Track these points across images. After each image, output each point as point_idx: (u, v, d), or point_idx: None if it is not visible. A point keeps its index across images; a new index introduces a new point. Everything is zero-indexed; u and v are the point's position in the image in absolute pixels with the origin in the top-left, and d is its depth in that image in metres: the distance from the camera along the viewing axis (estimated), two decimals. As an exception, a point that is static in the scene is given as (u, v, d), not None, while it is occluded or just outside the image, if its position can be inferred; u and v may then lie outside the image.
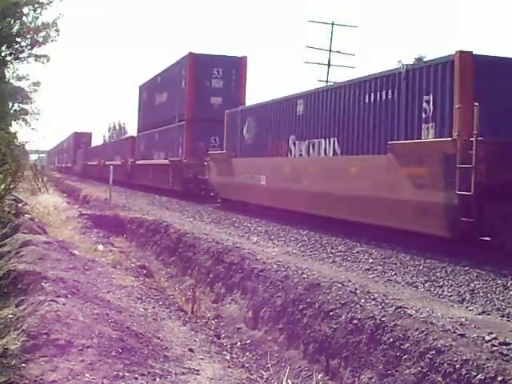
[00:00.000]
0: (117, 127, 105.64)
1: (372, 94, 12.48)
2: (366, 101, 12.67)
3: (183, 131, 26.01)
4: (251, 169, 18.37)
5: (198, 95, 25.37)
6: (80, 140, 67.30)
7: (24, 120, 45.72)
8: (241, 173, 19.26)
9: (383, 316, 5.86)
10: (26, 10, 31.37)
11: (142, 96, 38.19)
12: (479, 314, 6.26)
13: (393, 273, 8.68)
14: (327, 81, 38.81)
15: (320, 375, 6.20)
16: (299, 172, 15.56)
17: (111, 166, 25.48)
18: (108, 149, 50.84)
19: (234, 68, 25.73)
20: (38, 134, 49.30)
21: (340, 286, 7.11)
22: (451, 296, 7.20)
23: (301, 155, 15.67)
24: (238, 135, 20.12)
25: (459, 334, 5.17)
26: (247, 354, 7.38)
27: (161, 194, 28.05)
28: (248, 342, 7.72)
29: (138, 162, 35.88)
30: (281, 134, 16.86)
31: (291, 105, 16.33)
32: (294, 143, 16.01)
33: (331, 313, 6.52)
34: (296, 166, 15.90)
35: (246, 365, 6.73)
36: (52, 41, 32.33)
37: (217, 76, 25.50)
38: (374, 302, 6.39)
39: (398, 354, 5.35)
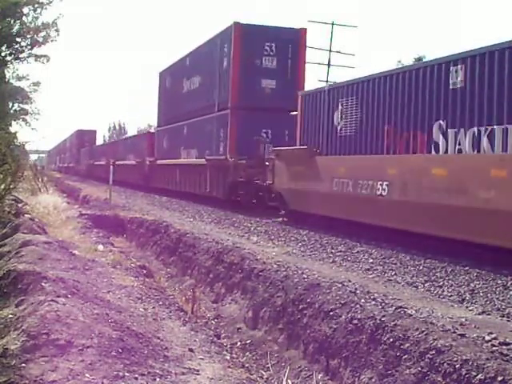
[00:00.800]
0: (117, 127, 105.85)
1: None
2: None
3: (227, 122, 20.54)
4: (356, 172, 12.80)
5: (246, 77, 19.92)
6: (83, 138, 62.98)
7: (24, 120, 45.76)
8: (334, 177, 13.53)
9: (383, 316, 5.86)
10: (26, 10, 31.42)
11: (162, 84, 31.81)
12: (479, 314, 6.26)
13: (393, 273, 8.68)
14: (327, 81, 38.78)
15: (320, 375, 6.20)
16: (470, 178, 9.79)
17: (111, 166, 25.38)
18: (118, 147, 45.32)
19: (291, 43, 20.19)
20: (38, 134, 49.38)
21: (340, 285, 7.11)
22: (451, 296, 7.20)
23: (460, 151, 10.26)
24: (323, 124, 14.79)
25: (459, 334, 5.17)
26: (247, 353, 7.38)
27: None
28: (248, 341, 7.72)
29: (160, 162, 29.96)
30: (413, 120, 11.44)
31: (438, 74, 10.82)
32: (444, 133, 10.60)
33: (331, 313, 6.52)
34: (459, 169, 10.16)
35: (246, 365, 6.73)
36: (52, 41, 32.39)
37: (269, 53, 20.04)
38: (373, 302, 6.39)
39: (397, 354, 5.35)
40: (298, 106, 16.29)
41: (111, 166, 25.21)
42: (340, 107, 14.06)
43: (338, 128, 14.10)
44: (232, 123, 20.19)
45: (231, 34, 20.35)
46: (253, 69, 19.93)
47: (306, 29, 20.85)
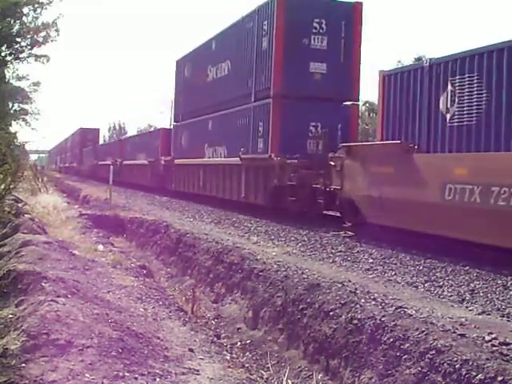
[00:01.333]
0: (117, 127, 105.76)
1: None
2: None
3: (268, 114, 16.98)
4: (488, 176, 9.31)
5: (292, 60, 16.49)
6: (86, 137, 60.00)
7: (24, 120, 45.72)
8: (446, 182, 10.02)
9: (383, 316, 5.86)
10: (26, 10, 31.36)
11: (180, 74, 27.76)
12: (479, 314, 6.26)
13: (393, 273, 8.68)
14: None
15: (320, 375, 6.20)
16: None
17: (111, 166, 25.35)
18: (126, 145, 41.61)
19: (344, 19, 16.84)
20: (38, 134, 49.36)
21: (340, 286, 7.11)
22: (451, 296, 7.20)
23: None
24: (420, 112, 11.42)
25: (459, 334, 5.17)
26: (247, 354, 7.38)
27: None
28: (248, 342, 7.72)
29: (178, 162, 26.25)
30: None
31: None
32: None
33: (331, 313, 6.52)
34: None
35: (246, 365, 6.73)
36: (52, 41, 32.32)
37: (319, 31, 16.67)
38: (373, 302, 6.39)
39: (398, 354, 5.35)
40: (379, 90, 12.99)
41: (111, 166, 25.18)
42: (450, 88, 10.74)
43: (448, 116, 10.75)
44: (275, 115, 16.75)
45: (273, 9, 16.93)
46: (299, 50, 16.55)
47: (361, 3, 17.23)
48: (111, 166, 25.35)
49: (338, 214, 14.27)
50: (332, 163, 13.89)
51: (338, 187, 13.51)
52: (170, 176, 27.59)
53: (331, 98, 16.39)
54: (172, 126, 29.38)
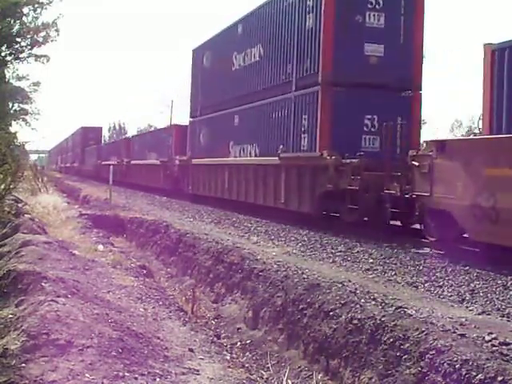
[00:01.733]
0: (117, 127, 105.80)
1: None
2: None
3: (315, 105, 14.46)
4: None
5: (344, 40, 14.10)
6: (88, 136, 58.11)
7: (24, 120, 45.76)
8: None
9: (383, 316, 5.86)
10: (26, 10, 31.41)
11: (197, 64, 25.08)
12: (479, 314, 6.26)
13: (393, 273, 8.67)
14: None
15: (320, 375, 6.20)
16: None
17: (111, 166, 25.33)
18: (134, 144, 39.22)
19: None
20: (38, 134, 49.39)
21: (340, 286, 7.11)
22: (451, 296, 7.20)
23: None
24: None
25: (459, 334, 5.17)
26: (247, 354, 7.38)
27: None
28: (248, 342, 7.73)
29: (196, 162, 23.63)
30: None
31: None
32: None
33: (331, 313, 6.52)
34: None
35: (246, 365, 6.74)
36: (52, 41, 32.36)
37: (375, 6, 14.24)
38: (373, 302, 6.39)
39: (398, 354, 5.35)
40: (485, 69, 10.72)
41: (111, 166, 25.17)
42: None
43: None
44: (324, 105, 14.15)
45: None
46: (352, 29, 14.12)
47: None
48: (111, 166, 25.32)
49: (419, 227, 11.81)
50: (415, 163, 11.19)
51: (425, 193, 10.80)
52: (187, 178, 24.95)
53: (389, 85, 14.13)
54: (189, 122, 26.24)
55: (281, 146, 15.82)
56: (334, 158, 13.25)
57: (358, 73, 13.92)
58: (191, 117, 25.84)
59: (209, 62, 23.72)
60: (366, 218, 13.07)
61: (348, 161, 13.03)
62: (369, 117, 14.03)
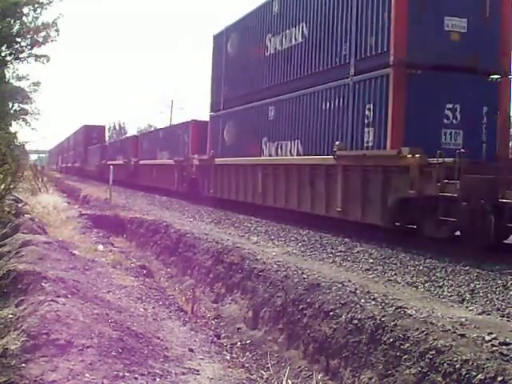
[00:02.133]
0: (117, 127, 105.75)
1: None
2: None
3: (384, 91, 11.88)
4: None
5: (419, 13, 11.60)
6: (91, 135, 55.45)
7: (24, 120, 45.82)
8: None
9: (383, 316, 5.86)
10: (26, 10, 31.47)
11: (220, 51, 22.16)
12: (479, 314, 6.26)
13: (393, 273, 8.67)
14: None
15: (320, 375, 6.20)
16: None
17: (111, 166, 25.33)
18: (143, 142, 36.25)
19: None
20: (38, 134, 49.44)
21: (340, 286, 7.11)
22: (451, 296, 7.19)
23: None
24: None
25: (459, 334, 5.17)
26: (247, 353, 7.38)
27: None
28: (248, 342, 7.72)
29: (220, 162, 20.88)
30: None
31: None
32: None
33: (331, 313, 6.52)
34: None
35: (246, 365, 6.73)
36: (52, 41, 32.41)
37: None
38: (373, 302, 6.39)
39: (398, 354, 5.35)
40: None
41: (111, 166, 25.17)
42: None
43: None
44: (397, 91, 11.63)
45: None
46: (429, 1, 11.72)
47: None
48: (111, 166, 25.30)
49: None
50: None
51: None
52: (207, 179, 22.17)
53: (473, 67, 11.76)
54: (210, 117, 23.18)
55: (337, 143, 13.21)
56: (418, 156, 10.65)
57: (437, 52, 11.50)
58: (212, 111, 22.83)
59: (234, 48, 20.80)
60: (457, 233, 10.71)
61: (440, 160, 10.16)
62: (450, 106, 11.63)
